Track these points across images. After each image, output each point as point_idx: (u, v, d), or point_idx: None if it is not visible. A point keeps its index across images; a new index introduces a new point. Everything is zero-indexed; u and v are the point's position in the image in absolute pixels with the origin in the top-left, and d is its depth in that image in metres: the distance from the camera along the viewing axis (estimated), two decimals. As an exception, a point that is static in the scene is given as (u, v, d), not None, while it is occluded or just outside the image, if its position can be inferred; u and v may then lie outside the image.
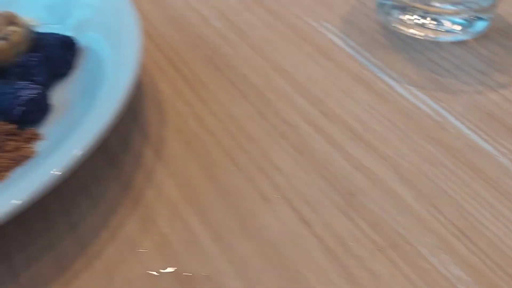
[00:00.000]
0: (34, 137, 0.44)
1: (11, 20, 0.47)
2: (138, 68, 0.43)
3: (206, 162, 0.45)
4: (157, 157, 0.46)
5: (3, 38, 0.45)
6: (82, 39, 0.51)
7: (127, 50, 0.45)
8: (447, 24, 0.57)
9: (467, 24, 0.57)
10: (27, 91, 0.44)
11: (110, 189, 0.43)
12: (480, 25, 0.58)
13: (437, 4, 0.56)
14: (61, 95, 0.48)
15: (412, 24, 0.58)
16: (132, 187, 0.43)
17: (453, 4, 0.56)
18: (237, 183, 0.43)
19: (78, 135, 0.39)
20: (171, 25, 0.62)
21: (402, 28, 0.59)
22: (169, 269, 0.37)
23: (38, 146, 0.43)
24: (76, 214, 0.41)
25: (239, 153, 0.46)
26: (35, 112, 0.44)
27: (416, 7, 0.57)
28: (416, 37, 0.58)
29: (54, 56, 0.48)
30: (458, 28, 0.58)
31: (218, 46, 0.59)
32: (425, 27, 0.58)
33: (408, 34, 0.59)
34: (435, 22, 0.57)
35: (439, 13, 0.57)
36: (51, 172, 0.35)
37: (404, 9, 0.59)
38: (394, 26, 0.60)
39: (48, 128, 0.45)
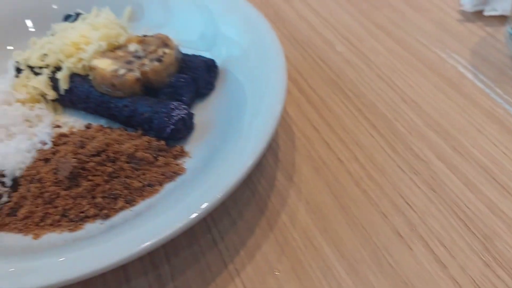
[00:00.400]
0: (182, 154, 0.47)
1: (165, 42, 0.51)
2: (284, 99, 0.44)
3: (336, 191, 0.46)
4: (289, 182, 0.48)
5: (158, 60, 0.49)
6: (223, 62, 0.54)
7: (271, 79, 0.47)
8: None
9: None
10: (178, 111, 0.47)
11: (247, 209, 0.45)
12: None
13: None
14: (202, 114, 0.51)
15: (550, 60, 0.56)
16: (267, 209, 0.45)
17: None
18: (369, 216, 0.44)
19: (234, 160, 0.41)
20: (296, 48, 0.63)
21: (538, 63, 0.57)
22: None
23: (185, 163, 0.46)
24: (216, 231, 0.44)
25: (370, 185, 0.47)
26: (182, 130, 0.48)
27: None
28: (554, 73, 0.56)
29: (199, 77, 0.51)
30: None
31: (343, 70, 0.59)
32: None
33: (545, 70, 0.56)
34: None
35: None
36: (217, 194, 0.37)
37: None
38: (528, 61, 0.57)
39: (192, 146, 0.48)
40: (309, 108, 0.55)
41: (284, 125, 0.53)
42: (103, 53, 0.51)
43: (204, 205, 0.37)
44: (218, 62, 0.54)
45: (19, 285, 0.34)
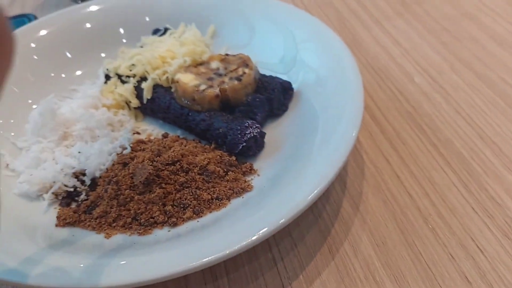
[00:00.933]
0: (251, 172, 0.48)
1: (245, 62, 0.53)
2: (359, 129, 0.44)
3: (403, 226, 0.45)
4: (355, 211, 0.47)
5: (237, 79, 0.51)
6: (299, 84, 0.55)
7: (346, 107, 0.47)
8: None
9: None
10: (251, 129, 0.48)
11: (310, 233, 0.45)
12: None
13: None
14: (273, 133, 0.52)
15: None
16: (330, 236, 0.45)
17: None
18: (435, 256, 0.42)
19: (301, 185, 0.42)
20: (372, 75, 0.63)
21: None
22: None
23: (253, 181, 0.47)
24: (277, 250, 0.44)
25: (439, 223, 0.45)
26: (253, 148, 0.49)
27: None
28: None
29: (274, 98, 0.52)
30: None
31: (420, 103, 0.58)
32: None
33: None
34: None
35: None
36: (281, 219, 0.38)
37: None
38: None
39: (261, 164, 0.49)
40: (381, 138, 0.54)
41: (354, 152, 0.53)
42: (186, 68, 0.53)
43: (268, 229, 0.38)
44: (294, 84, 0.55)
45: (86, 282, 0.36)
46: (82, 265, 0.38)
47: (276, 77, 0.54)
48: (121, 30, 0.64)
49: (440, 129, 0.54)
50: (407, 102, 0.58)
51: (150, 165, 0.45)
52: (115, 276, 0.36)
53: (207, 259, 0.37)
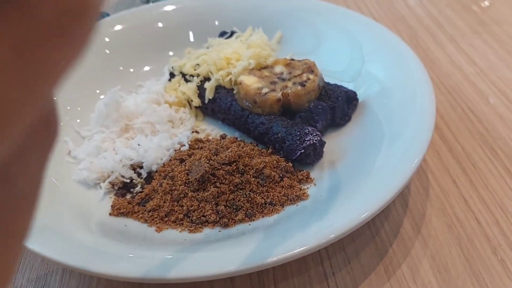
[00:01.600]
0: (307, 180, 0.46)
1: (311, 68, 0.51)
2: (426, 149, 0.42)
3: (469, 254, 0.42)
4: (416, 233, 0.44)
5: (301, 84, 0.50)
6: (365, 95, 0.53)
7: (414, 124, 0.45)
8: None
9: None
10: (311, 136, 0.47)
11: (365, 251, 0.43)
12: None
13: None
14: (333, 143, 0.50)
15: None
16: (387, 256, 0.42)
17: None
18: (505, 290, 0.39)
19: (359, 200, 0.39)
20: (443, 94, 0.60)
21: None
22: None
23: (309, 189, 0.46)
24: (329, 265, 0.42)
25: (510, 255, 0.41)
26: (311, 156, 0.47)
27: None
28: None
29: (337, 107, 0.50)
30: None
31: (494, 125, 0.54)
32: None
33: None
34: None
35: None
36: (334, 233, 0.36)
37: None
38: None
39: (318, 173, 0.47)
40: (450, 159, 0.51)
41: (419, 171, 0.50)
42: (250, 71, 0.53)
43: (319, 242, 0.36)
44: (360, 94, 0.53)
45: (133, 272, 0.35)
46: (131, 255, 0.38)
47: (341, 86, 0.52)
48: (190, 32, 0.65)
49: (516, 154, 0.50)
50: (480, 123, 0.55)
51: (207, 163, 0.45)
52: (162, 270, 0.35)
53: (255, 263, 0.35)
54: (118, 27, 0.63)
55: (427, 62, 0.65)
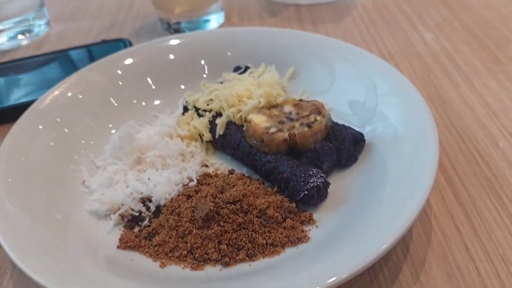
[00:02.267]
0: (309, 222, 0.47)
1: (318, 109, 0.52)
2: (428, 194, 0.42)
3: (467, 305, 0.42)
4: (415, 279, 0.44)
5: (308, 125, 0.51)
6: (372, 137, 0.53)
7: (418, 169, 0.45)
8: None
9: None
10: (315, 178, 0.48)
11: (363, 296, 0.43)
12: None
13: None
14: (338, 184, 0.51)
15: None
16: (384, 302, 0.43)
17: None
18: None
19: (360, 245, 0.40)
20: (452, 135, 0.60)
21: None
22: None
23: (311, 231, 0.47)
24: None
25: (509, 310, 0.41)
26: (315, 197, 0.48)
27: None
28: None
29: (344, 148, 0.51)
30: None
31: (502, 171, 0.54)
32: None
33: None
34: None
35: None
36: (333, 280, 0.37)
37: None
38: None
39: (322, 214, 0.48)
40: (455, 204, 0.51)
41: (423, 216, 0.50)
42: (260, 109, 0.54)
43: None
44: (367, 136, 0.53)
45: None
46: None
47: (348, 127, 0.53)
48: (203, 63, 0.67)
49: (522, 203, 0.50)
50: (488, 168, 0.55)
51: (212, 202, 0.46)
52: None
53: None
54: (129, 61, 0.66)
55: (438, 102, 0.66)
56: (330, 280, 0.37)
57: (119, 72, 0.64)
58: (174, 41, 0.69)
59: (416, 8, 0.89)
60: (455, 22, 0.83)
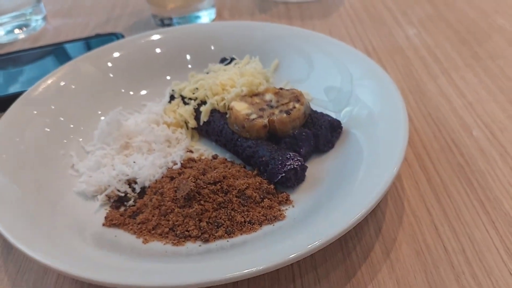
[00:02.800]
0: (286, 202, 0.50)
1: (297, 97, 0.55)
2: (395, 174, 0.45)
3: (432, 280, 0.44)
4: (385, 257, 0.47)
5: (287, 112, 0.53)
6: (348, 123, 0.56)
7: (390, 152, 0.48)
8: None
9: None
10: (292, 161, 0.50)
11: (335, 272, 0.46)
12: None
13: None
14: (316, 168, 0.53)
15: None
16: (355, 278, 0.45)
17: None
18: (461, 316, 0.41)
19: (332, 219, 0.43)
20: (429, 124, 0.62)
21: None
22: None
23: (287, 211, 0.49)
24: (300, 283, 0.45)
25: (471, 284, 0.43)
26: (292, 179, 0.51)
27: None
28: None
29: (321, 135, 0.54)
30: None
31: (474, 158, 0.57)
32: None
33: None
34: None
35: None
36: (307, 247, 0.39)
37: None
38: None
39: (299, 196, 0.51)
40: (427, 188, 0.53)
41: (396, 198, 0.53)
42: (242, 97, 0.57)
43: (292, 255, 0.39)
44: (343, 120, 0.56)
45: (118, 279, 0.39)
46: (123, 265, 0.42)
47: (326, 115, 0.56)
48: (188, 56, 0.70)
49: (491, 187, 0.53)
50: (461, 156, 0.57)
51: (193, 182, 0.48)
52: (144, 279, 0.39)
53: (231, 274, 0.38)
54: (117, 54, 0.69)
55: (417, 94, 0.68)
56: (303, 249, 0.39)
57: (109, 64, 0.67)
58: (160, 35, 0.72)
59: (401, 6, 0.92)
60: (437, 19, 0.86)
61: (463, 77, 0.71)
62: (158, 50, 0.70)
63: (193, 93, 0.61)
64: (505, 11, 0.87)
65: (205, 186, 0.49)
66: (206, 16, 0.90)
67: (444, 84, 0.70)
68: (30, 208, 0.47)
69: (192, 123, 0.59)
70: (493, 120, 0.62)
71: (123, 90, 0.66)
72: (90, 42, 0.84)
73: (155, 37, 0.71)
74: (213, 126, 0.58)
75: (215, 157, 0.57)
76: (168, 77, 0.68)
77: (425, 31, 0.83)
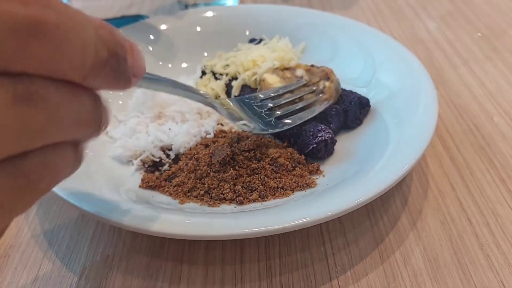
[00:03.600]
0: (317, 172, 0.52)
1: (328, 75, 0.57)
2: (426, 147, 0.47)
3: (457, 248, 0.46)
4: (412, 226, 0.48)
5: (321, 92, 0.55)
6: (376, 102, 0.58)
7: (418, 126, 0.50)
8: None
9: None
10: (323, 133, 0.52)
11: (363, 238, 0.48)
12: None
13: None
14: (344, 144, 0.55)
15: None
16: (382, 243, 0.47)
17: None
18: (486, 281, 0.43)
19: (360, 187, 0.44)
20: (451, 110, 0.64)
21: None
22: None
23: (318, 180, 0.51)
24: (330, 247, 0.47)
25: (495, 252, 0.45)
26: (322, 151, 0.53)
27: None
28: None
29: (350, 111, 0.56)
30: None
31: (495, 141, 0.59)
32: None
33: None
34: None
35: None
36: (336, 209, 0.41)
37: None
38: None
39: (328, 167, 0.53)
40: (450, 167, 0.55)
41: (420, 174, 0.54)
42: (274, 70, 0.59)
43: (324, 215, 0.41)
44: (372, 101, 0.58)
45: (156, 227, 0.41)
46: (160, 215, 0.43)
47: (355, 92, 0.58)
48: (223, 37, 0.72)
49: (512, 167, 0.55)
50: (483, 138, 0.59)
51: (229, 148, 0.50)
52: (182, 228, 0.41)
53: (263, 228, 0.40)
54: (163, 27, 0.71)
55: (439, 81, 0.70)
56: (329, 213, 0.41)
57: (151, 37, 0.69)
58: (202, 14, 0.75)
59: (421, 1, 0.94)
60: (456, 14, 0.88)
61: (483, 68, 0.73)
62: (198, 29, 0.73)
63: (224, 69, 0.63)
64: (522, 10, 0.89)
65: (239, 153, 0.51)
66: (230, 2, 0.92)
67: (464, 74, 0.72)
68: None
69: (223, 97, 0.61)
70: (513, 107, 0.64)
71: (160, 63, 0.68)
72: (116, 23, 0.86)
73: (197, 16, 0.74)
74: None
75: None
76: (206, 53, 0.71)
77: (445, 25, 0.85)
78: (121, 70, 0.26)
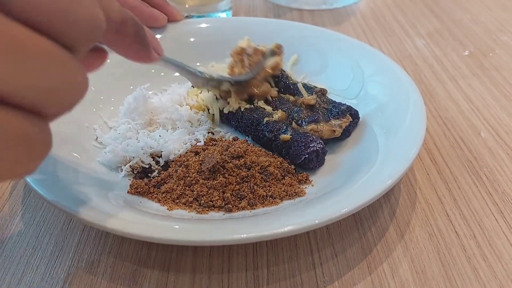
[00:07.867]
0: (306, 181, 0.52)
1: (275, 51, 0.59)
2: (412, 161, 0.47)
3: (445, 260, 0.46)
4: (399, 237, 0.49)
5: (340, 126, 0.56)
6: (365, 114, 0.59)
7: (406, 138, 0.50)
8: None
9: None
10: (315, 143, 0.52)
11: (351, 248, 0.47)
12: None
13: None
14: (334, 155, 0.55)
15: None
16: (370, 254, 0.47)
17: None
18: (474, 294, 0.43)
19: (348, 197, 0.45)
20: (439, 124, 0.65)
21: None
22: None
23: (307, 189, 0.51)
24: (318, 257, 0.47)
25: (482, 265, 0.45)
26: (314, 161, 0.53)
27: None
28: None
29: (339, 122, 0.56)
30: None
31: (482, 155, 0.59)
32: None
33: None
34: None
35: None
36: (321, 218, 0.41)
37: None
38: None
39: (317, 177, 0.53)
40: (438, 179, 0.56)
41: (408, 187, 0.55)
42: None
43: (312, 222, 0.41)
44: (362, 112, 0.58)
45: (143, 232, 0.40)
46: (148, 220, 0.43)
47: (344, 104, 0.58)
48: (215, 48, 0.73)
49: (499, 181, 0.55)
50: (470, 152, 0.60)
51: (219, 156, 0.50)
52: (168, 233, 0.40)
53: (248, 235, 0.40)
54: (157, 36, 0.70)
55: (427, 96, 0.71)
56: (316, 222, 0.41)
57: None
58: (192, 25, 0.76)
59: (410, 19, 0.96)
60: (444, 33, 0.90)
61: (470, 84, 0.74)
62: (191, 39, 0.73)
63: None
64: (508, 29, 0.91)
65: (229, 160, 0.51)
66: (223, 15, 0.93)
67: (452, 89, 0.73)
68: (55, 163, 0.48)
69: (213, 109, 0.61)
70: (500, 124, 0.65)
71: (153, 71, 0.68)
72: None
73: (190, 26, 0.75)
74: (234, 112, 0.60)
75: (235, 139, 0.59)
76: (198, 63, 0.70)
77: (433, 42, 0.87)
78: (141, 35, 0.34)
